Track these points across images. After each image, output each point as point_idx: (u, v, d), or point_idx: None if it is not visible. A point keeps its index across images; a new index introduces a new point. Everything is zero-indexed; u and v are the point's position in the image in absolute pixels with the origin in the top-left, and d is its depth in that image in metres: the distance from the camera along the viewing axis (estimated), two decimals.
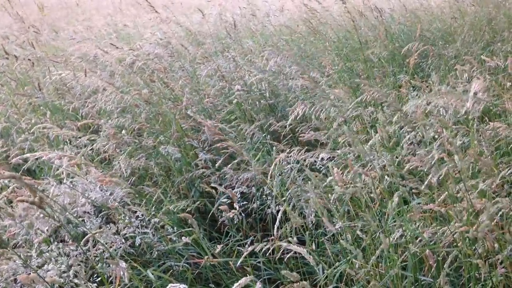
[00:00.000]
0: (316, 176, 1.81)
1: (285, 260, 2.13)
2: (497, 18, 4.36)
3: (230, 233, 2.34)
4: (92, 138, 2.68)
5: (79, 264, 1.66)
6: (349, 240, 1.65)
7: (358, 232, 1.78)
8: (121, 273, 1.20)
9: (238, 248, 2.18)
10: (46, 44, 5.41)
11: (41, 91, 3.44)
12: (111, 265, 1.37)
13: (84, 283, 1.43)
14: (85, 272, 1.67)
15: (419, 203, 1.84)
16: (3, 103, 3.50)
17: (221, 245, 1.89)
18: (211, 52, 4.23)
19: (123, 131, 2.85)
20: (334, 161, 2.22)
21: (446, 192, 1.65)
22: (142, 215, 2.06)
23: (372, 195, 1.82)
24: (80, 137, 2.63)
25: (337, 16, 4.83)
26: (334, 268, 1.76)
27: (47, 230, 1.65)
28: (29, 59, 3.94)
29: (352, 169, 1.72)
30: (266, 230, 2.47)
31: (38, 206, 1.18)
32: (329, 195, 1.85)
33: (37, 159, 2.73)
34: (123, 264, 1.25)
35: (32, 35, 5.08)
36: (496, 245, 1.63)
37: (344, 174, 1.86)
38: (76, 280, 1.51)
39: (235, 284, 1.06)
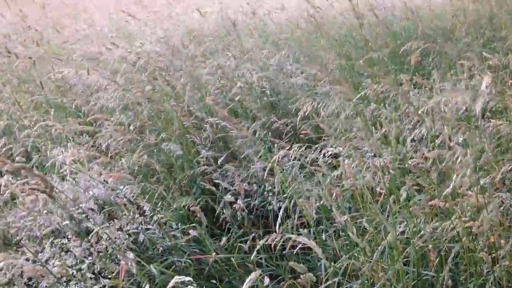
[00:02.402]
0: (321, 172, 1.82)
1: (286, 256, 2.14)
2: (498, 16, 4.36)
3: (232, 230, 2.35)
4: (98, 132, 2.68)
5: (82, 261, 1.67)
6: (355, 233, 1.66)
7: (365, 224, 1.79)
8: (129, 263, 1.21)
9: (240, 244, 2.19)
10: (48, 42, 5.41)
11: (43, 89, 3.45)
12: (118, 257, 1.38)
13: (94, 277, 1.44)
14: (88, 267, 1.69)
15: (420, 199, 1.85)
16: (6, 101, 3.51)
17: (226, 238, 1.90)
18: (211, 50, 4.23)
19: (131, 127, 2.87)
20: (338, 156, 2.22)
21: (450, 188, 1.65)
22: (145, 212, 2.07)
23: (377, 189, 1.82)
24: (83, 134, 2.64)
25: (338, 15, 4.83)
26: (338, 263, 1.76)
27: (53, 222, 1.66)
28: (29, 57, 3.94)
29: (360, 163, 1.73)
30: (267, 227, 2.48)
31: (49, 195, 1.19)
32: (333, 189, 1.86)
33: (40, 156, 2.75)
34: (131, 255, 1.26)
35: (34, 33, 5.08)
36: (499, 240, 1.64)
37: (352, 168, 1.86)
38: (85, 275, 1.52)
39: (246, 280, 1.06)
